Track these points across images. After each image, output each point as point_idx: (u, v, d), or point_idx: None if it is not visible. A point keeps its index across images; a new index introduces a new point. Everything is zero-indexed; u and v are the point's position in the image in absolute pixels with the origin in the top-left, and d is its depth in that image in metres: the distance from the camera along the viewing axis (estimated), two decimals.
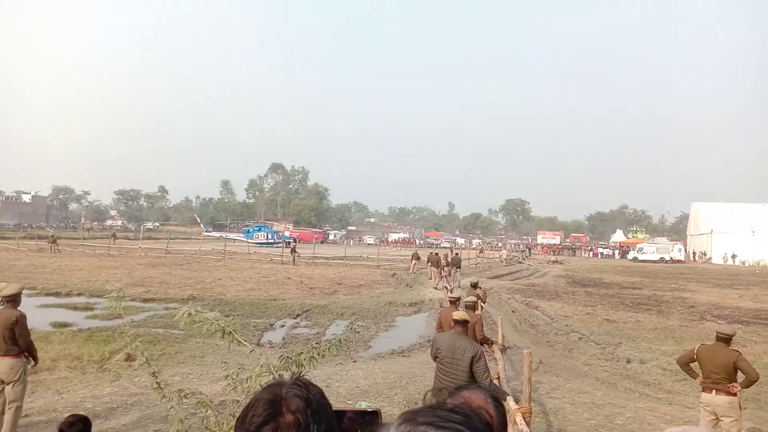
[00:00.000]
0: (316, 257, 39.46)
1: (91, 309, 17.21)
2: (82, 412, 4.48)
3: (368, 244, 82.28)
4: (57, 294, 20.13)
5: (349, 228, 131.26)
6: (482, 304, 13.99)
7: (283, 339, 14.01)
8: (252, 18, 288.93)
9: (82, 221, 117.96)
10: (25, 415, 6.98)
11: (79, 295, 20.07)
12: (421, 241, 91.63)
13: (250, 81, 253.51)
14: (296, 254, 37.57)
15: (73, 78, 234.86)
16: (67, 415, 4.03)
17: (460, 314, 6.25)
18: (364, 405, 1.45)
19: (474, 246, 66.74)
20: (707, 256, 63.41)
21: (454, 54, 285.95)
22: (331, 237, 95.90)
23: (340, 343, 3.67)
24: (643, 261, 58.43)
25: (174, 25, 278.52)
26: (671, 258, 59.24)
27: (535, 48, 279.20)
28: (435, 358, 6.03)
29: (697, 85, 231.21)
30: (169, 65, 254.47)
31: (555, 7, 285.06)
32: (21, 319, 6.42)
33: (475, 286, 13.86)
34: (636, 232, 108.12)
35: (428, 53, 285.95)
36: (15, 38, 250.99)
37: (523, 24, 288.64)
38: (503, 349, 11.23)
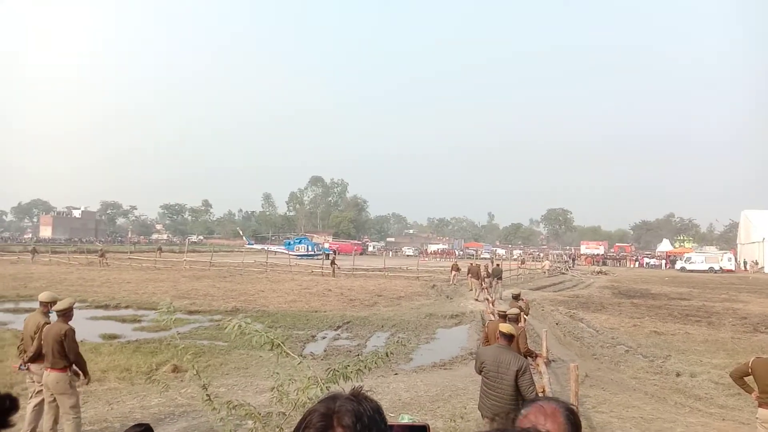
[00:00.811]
0: (356, 269, 39.64)
1: (139, 321, 17.71)
2: (133, 423, 4.60)
3: (407, 255, 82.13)
4: (106, 306, 20.75)
5: (388, 239, 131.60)
6: (525, 316, 13.81)
7: (325, 351, 14.09)
8: (296, 40, 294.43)
9: (129, 235, 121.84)
10: None
11: (126, 307, 20.66)
12: (461, 252, 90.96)
13: (291, 103, 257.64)
14: (336, 266, 37.79)
15: (122, 96, 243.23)
16: (130, 424, 4.15)
17: (506, 327, 6.19)
18: (407, 418, 1.45)
19: (515, 257, 65.90)
20: (759, 266, 61.08)
21: (495, 66, 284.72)
22: (370, 248, 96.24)
23: (387, 356, 3.68)
24: (692, 271, 56.68)
25: (218, 50, 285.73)
26: (721, 268, 57.31)
27: (579, 59, 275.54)
28: (480, 372, 5.99)
29: (745, 87, 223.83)
30: (219, 89, 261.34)
31: (606, 21, 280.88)
32: (70, 333, 6.56)
33: (517, 297, 13.69)
34: (683, 241, 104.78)
35: (470, 65, 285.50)
36: (68, 58, 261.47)
37: (568, 34, 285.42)
38: (548, 362, 11.06)
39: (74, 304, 7.05)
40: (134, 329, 16.44)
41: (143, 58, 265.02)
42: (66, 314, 6.72)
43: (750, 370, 6.49)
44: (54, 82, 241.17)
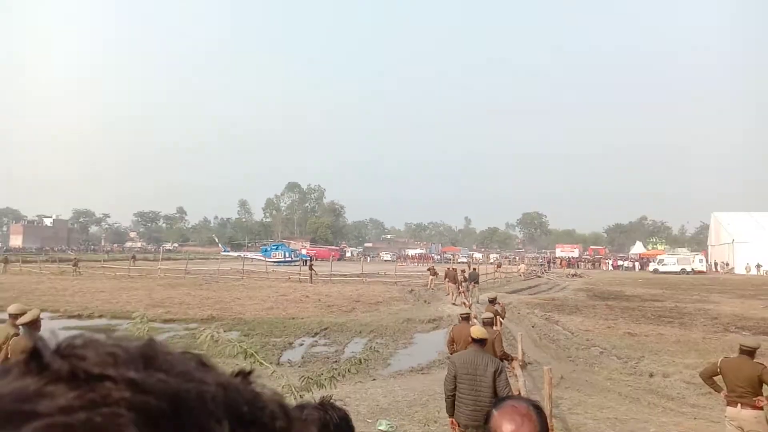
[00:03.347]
0: (333, 275, 39.48)
1: (113, 331, 17.37)
2: None
3: (385, 260, 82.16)
4: (79, 316, 20.37)
5: (365, 245, 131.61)
6: (501, 319, 13.94)
7: (303, 358, 14.02)
8: (270, 48, 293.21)
9: (103, 244, 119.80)
10: None
11: (100, 317, 20.31)
12: (438, 257, 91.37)
13: (269, 103, 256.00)
14: (313, 272, 37.64)
15: (94, 103, 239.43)
16: None
17: (477, 331, 6.20)
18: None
19: (491, 261, 66.37)
20: (729, 267, 62.43)
21: (468, 74, 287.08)
22: (348, 254, 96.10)
23: (360, 362, 3.71)
24: (664, 273, 57.62)
25: (192, 55, 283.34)
26: (693, 269, 58.45)
27: (549, 62, 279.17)
28: (454, 377, 5.98)
29: (716, 93, 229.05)
30: (191, 91, 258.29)
31: (576, 26, 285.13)
32: None
33: (493, 301, 13.82)
34: (656, 243, 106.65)
35: (441, 73, 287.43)
36: (36, 65, 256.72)
37: (538, 37, 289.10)
38: (523, 365, 11.16)
39: (39, 315, 6.87)
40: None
41: (117, 68, 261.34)
42: (32, 327, 6.57)
43: (719, 370, 6.65)
44: (25, 90, 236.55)
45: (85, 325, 18.63)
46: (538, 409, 1.76)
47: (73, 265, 41.73)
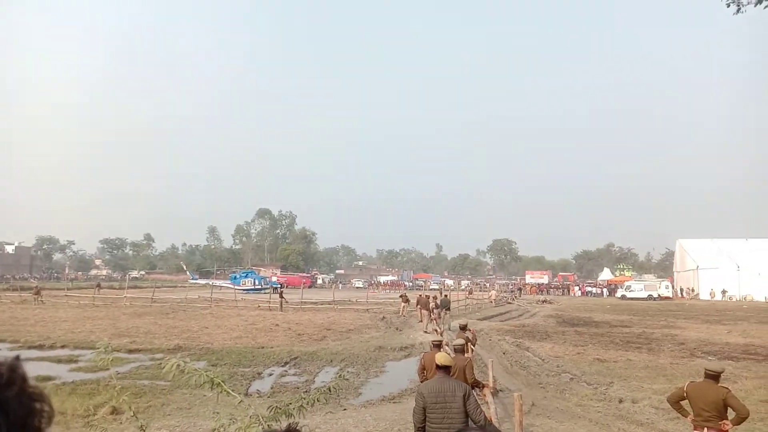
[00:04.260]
0: (304, 302, 39.12)
1: (75, 361, 16.90)
2: None
3: (357, 287, 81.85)
4: (40, 347, 19.74)
5: (337, 272, 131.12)
6: (472, 346, 13.94)
7: (272, 388, 13.77)
8: (237, 63, 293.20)
9: (67, 271, 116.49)
10: None
11: (62, 347, 19.70)
12: (410, 283, 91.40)
13: (236, 128, 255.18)
14: (284, 300, 37.22)
15: (56, 126, 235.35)
16: None
17: (442, 358, 6.13)
18: None
19: (463, 287, 66.59)
20: (695, 293, 63.78)
21: (438, 95, 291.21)
22: (320, 281, 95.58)
23: (330, 391, 3.65)
24: (632, 299, 58.61)
25: (158, 75, 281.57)
26: (659, 295, 59.51)
27: (518, 93, 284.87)
28: (423, 408, 5.88)
29: (679, 124, 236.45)
30: (157, 114, 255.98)
31: (547, 65, 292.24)
32: None
33: (464, 328, 13.81)
34: (623, 269, 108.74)
35: (412, 94, 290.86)
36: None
37: (509, 73, 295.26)
38: (495, 392, 11.14)
39: None
40: (70, 370, 15.66)
41: (82, 93, 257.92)
42: None
43: (685, 394, 6.73)
44: None
45: (47, 356, 18.01)
46: None
47: (35, 294, 40.59)
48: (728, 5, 8.26)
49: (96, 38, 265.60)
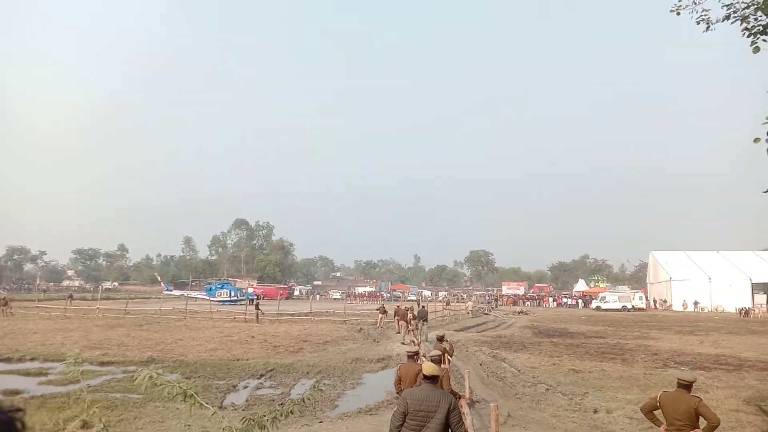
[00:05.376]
0: (281, 314, 38.81)
1: (45, 374, 16.52)
2: None
3: (334, 298, 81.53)
4: (8, 360, 19.25)
5: (314, 283, 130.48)
6: (449, 357, 13.95)
7: (247, 400, 13.59)
8: (211, 79, 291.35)
9: (38, 282, 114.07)
10: None
11: (32, 359, 19.23)
12: (388, 295, 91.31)
13: (213, 138, 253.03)
14: (260, 311, 36.87)
15: (30, 134, 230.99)
16: None
17: (429, 368, 6.13)
18: None
19: (440, 298, 66.74)
20: (668, 304, 64.80)
21: (416, 108, 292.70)
22: (297, 292, 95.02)
23: (304, 402, 3.63)
24: (606, 310, 59.37)
25: (136, 84, 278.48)
26: (633, 306, 60.37)
27: (492, 106, 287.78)
28: (403, 413, 5.85)
29: (654, 138, 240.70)
30: (132, 121, 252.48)
31: (535, 72, 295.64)
32: None
33: (441, 339, 13.83)
34: (597, 281, 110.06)
35: (389, 109, 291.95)
36: None
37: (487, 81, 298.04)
38: (471, 403, 11.15)
39: None
40: (40, 383, 15.27)
41: (57, 99, 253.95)
42: None
43: (658, 404, 6.80)
44: None
45: (15, 368, 17.57)
46: None
47: (2, 305, 39.65)
48: (698, 23, 8.46)
49: (81, 50, 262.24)
